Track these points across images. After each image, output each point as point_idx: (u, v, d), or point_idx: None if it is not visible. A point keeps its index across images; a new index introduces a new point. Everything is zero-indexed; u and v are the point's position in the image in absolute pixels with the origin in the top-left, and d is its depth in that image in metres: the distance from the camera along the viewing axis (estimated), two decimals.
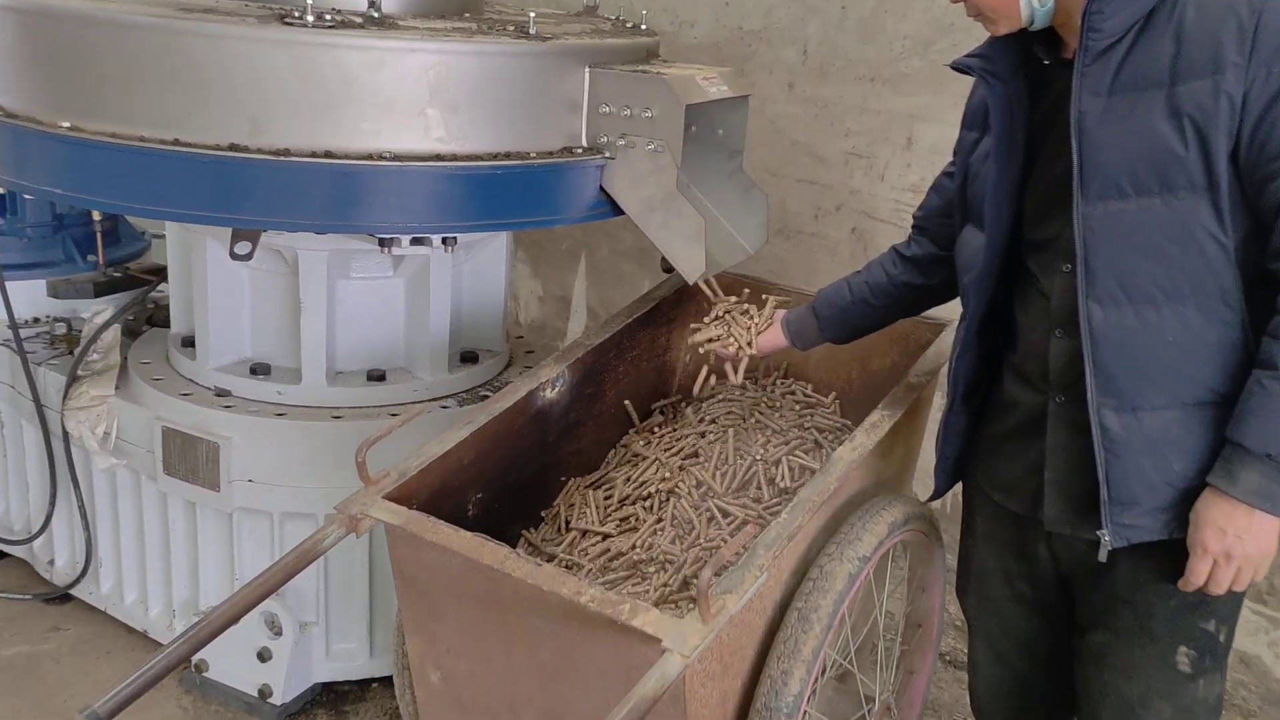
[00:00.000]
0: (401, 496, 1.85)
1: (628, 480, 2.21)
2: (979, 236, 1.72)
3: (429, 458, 1.91)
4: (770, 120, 3.52)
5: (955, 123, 3.22)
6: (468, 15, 2.34)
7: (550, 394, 2.17)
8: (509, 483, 2.13)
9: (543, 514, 2.21)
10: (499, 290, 2.69)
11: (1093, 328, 1.52)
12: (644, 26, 2.51)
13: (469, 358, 2.64)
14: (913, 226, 2.00)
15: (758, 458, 2.13)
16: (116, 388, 2.53)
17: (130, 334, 2.81)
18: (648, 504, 2.13)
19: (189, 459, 2.39)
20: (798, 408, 2.31)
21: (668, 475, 2.16)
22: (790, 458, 2.13)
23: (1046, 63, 1.64)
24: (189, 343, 2.55)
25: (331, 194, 1.96)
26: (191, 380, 2.49)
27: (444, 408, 2.49)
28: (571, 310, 4.46)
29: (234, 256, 2.16)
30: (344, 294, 2.44)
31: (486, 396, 2.55)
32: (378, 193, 1.98)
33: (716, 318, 2.18)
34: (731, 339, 2.13)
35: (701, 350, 2.20)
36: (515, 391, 2.08)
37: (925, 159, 3.21)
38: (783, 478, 2.10)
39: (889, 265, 2.00)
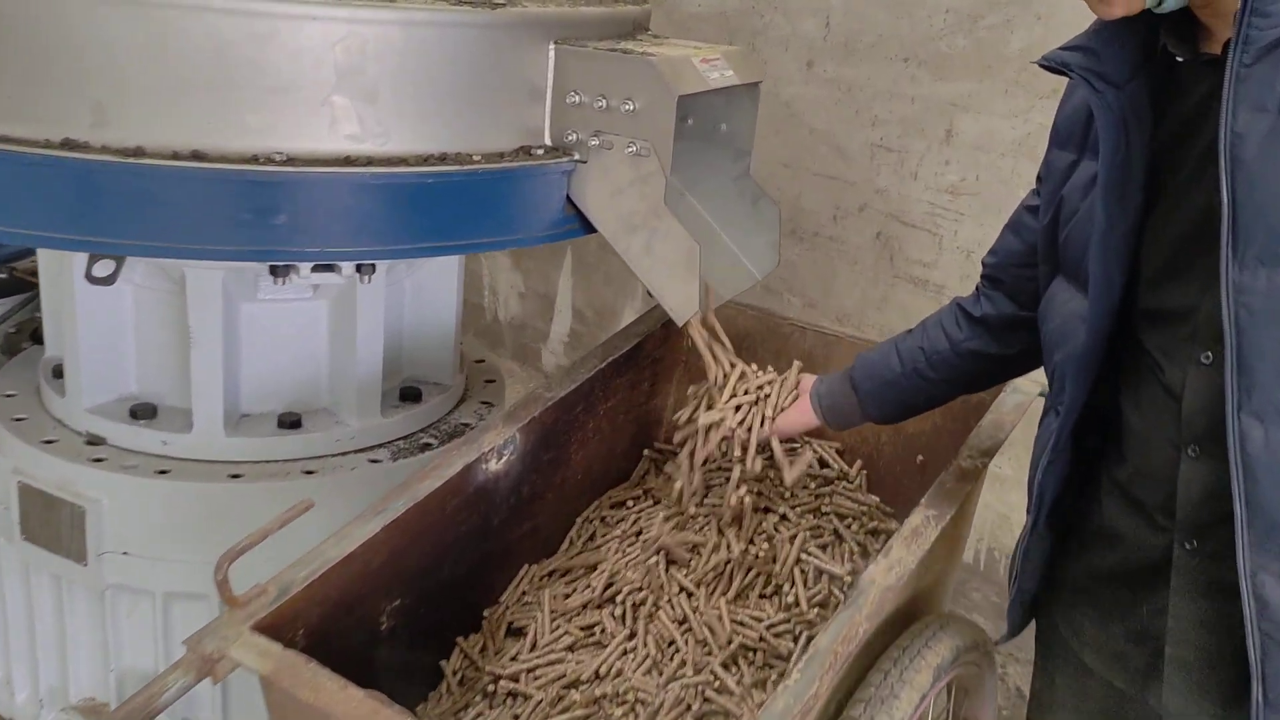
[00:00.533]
0: (282, 621, 1.38)
1: (593, 573, 1.73)
2: (1077, 299, 1.23)
3: (322, 565, 1.44)
4: (785, 104, 3.02)
5: (1004, 114, 2.74)
6: None
7: (495, 465, 1.69)
8: (441, 579, 1.66)
9: (485, 614, 1.74)
10: (449, 311, 2.20)
11: (1247, 452, 1.04)
12: None
13: (410, 395, 2.15)
14: (983, 277, 1.51)
15: (760, 555, 1.66)
16: None
17: (9, 352, 2.33)
18: (617, 611, 1.66)
19: (51, 524, 1.92)
20: (813, 484, 1.83)
21: (644, 571, 1.69)
22: (803, 556, 1.65)
23: (1181, 60, 1.15)
24: (62, 373, 2.07)
25: (200, 208, 1.47)
26: (60, 422, 2.01)
27: (373, 461, 2.01)
28: (555, 310, 3.98)
29: (91, 280, 1.68)
30: (249, 320, 1.95)
31: (429, 445, 2.08)
32: (264, 207, 1.49)
33: (722, 393, 1.66)
34: (743, 422, 1.62)
35: (700, 441, 1.68)
36: (445, 467, 1.60)
37: (967, 156, 2.72)
38: (792, 585, 1.62)
39: (951, 327, 1.51)
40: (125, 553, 1.90)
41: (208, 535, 1.86)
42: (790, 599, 1.61)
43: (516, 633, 1.71)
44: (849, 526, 1.74)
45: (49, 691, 2.09)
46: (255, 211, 1.49)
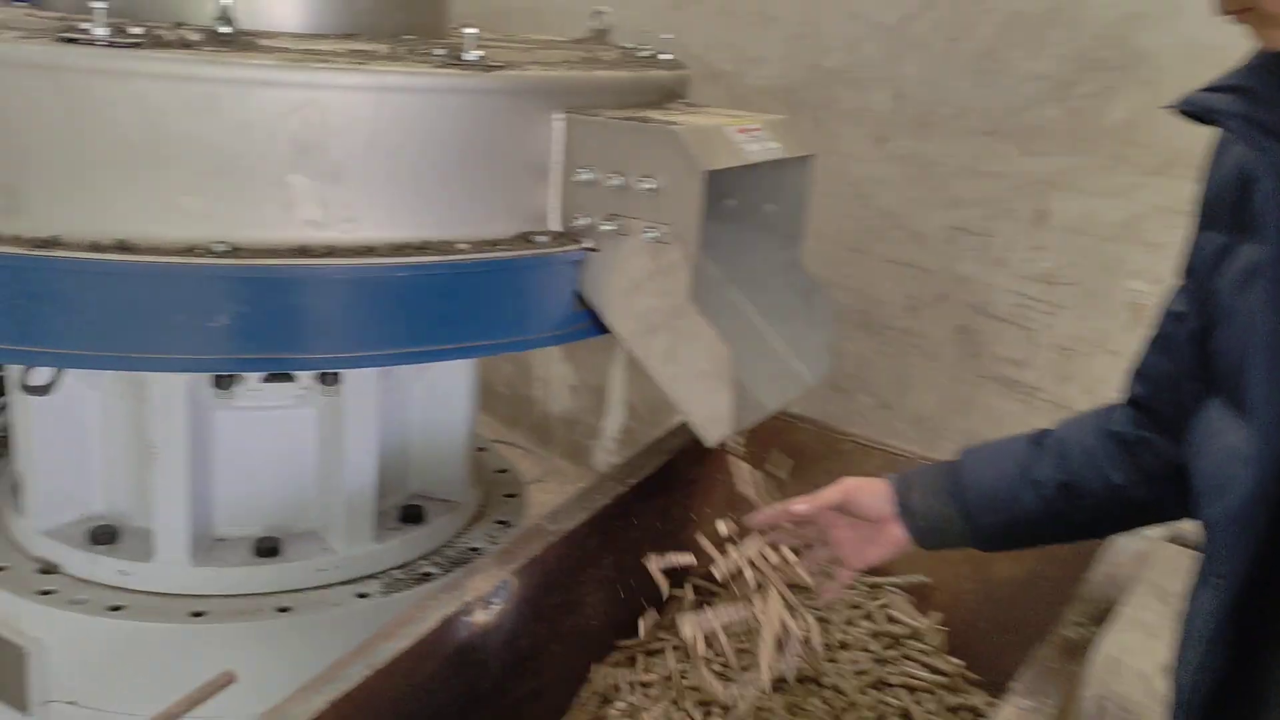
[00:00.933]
0: None
1: None
2: (1236, 429, 0.90)
3: None
4: (853, 184, 2.73)
5: (1105, 193, 2.38)
6: (405, 39, 1.60)
7: (483, 616, 1.39)
8: None
9: None
10: (461, 418, 1.93)
11: None
12: (665, 56, 1.74)
13: (413, 515, 1.87)
14: (1131, 402, 1.17)
15: None
16: None
17: None
18: None
19: None
20: (875, 644, 1.49)
21: None
22: None
23: None
24: None
25: (125, 310, 1.23)
26: (16, 545, 1.78)
27: (361, 595, 1.73)
28: (608, 405, 3.70)
29: (28, 390, 1.45)
30: (224, 429, 1.70)
31: (429, 575, 1.79)
32: (201, 308, 1.24)
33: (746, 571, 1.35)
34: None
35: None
36: (416, 622, 1.31)
37: (1061, 241, 2.39)
38: None
39: (1109, 466, 1.16)
40: (72, 703, 1.64)
41: (165, 684, 1.58)
42: None
43: None
44: (921, 703, 1.39)
45: None
46: (191, 313, 1.24)
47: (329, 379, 1.53)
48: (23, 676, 1.63)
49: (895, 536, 1.32)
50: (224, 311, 1.24)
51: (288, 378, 1.52)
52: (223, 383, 1.46)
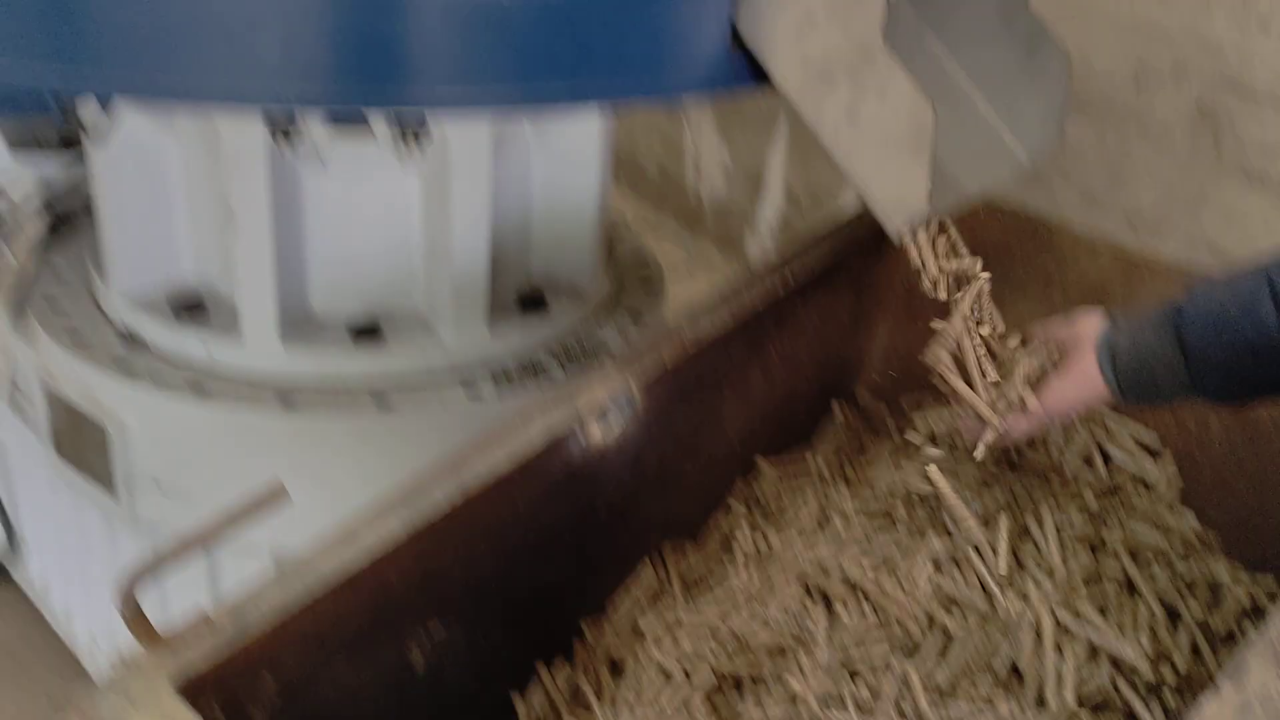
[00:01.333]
0: (237, 671, 0.90)
1: (746, 603, 1.17)
2: None
3: (309, 590, 0.94)
4: None
5: None
6: None
7: (600, 434, 1.14)
8: (512, 596, 1.15)
9: (584, 631, 1.23)
10: (591, 190, 1.64)
11: None
12: None
13: (532, 302, 1.63)
14: None
15: (1015, 614, 1.04)
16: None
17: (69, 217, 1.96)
18: (783, 656, 1.10)
19: (77, 443, 1.54)
20: (1088, 493, 1.18)
21: (802, 604, 1.12)
22: (1074, 625, 1.03)
23: None
24: None
25: (145, 19, 0.96)
26: (102, 312, 1.61)
27: (470, 391, 1.51)
28: (765, 191, 3.35)
29: (83, 131, 1.23)
30: (318, 195, 1.46)
31: (547, 372, 1.56)
32: (239, 17, 0.96)
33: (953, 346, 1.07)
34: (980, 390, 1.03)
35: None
36: (514, 434, 1.07)
37: None
38: (1062, 670, 1.01)
39: None
40: (157, 486, 1.50)
41: (250, 472, 1.42)
42: (1042, 691, 0.99)
43: (620, 672, 1.19)
44: (1149, 571, 1.09)
45: (104, 627, 1.77)
46: (226, 24, 0.96)
47: (412, 135, 1.25)
48: (106, 457, 1.50)
49: (1088, 372, 1.02)
50: (268, 24, 0.96)
51: (362, 129, 1.24)
52: (279, 129, 1.19)
